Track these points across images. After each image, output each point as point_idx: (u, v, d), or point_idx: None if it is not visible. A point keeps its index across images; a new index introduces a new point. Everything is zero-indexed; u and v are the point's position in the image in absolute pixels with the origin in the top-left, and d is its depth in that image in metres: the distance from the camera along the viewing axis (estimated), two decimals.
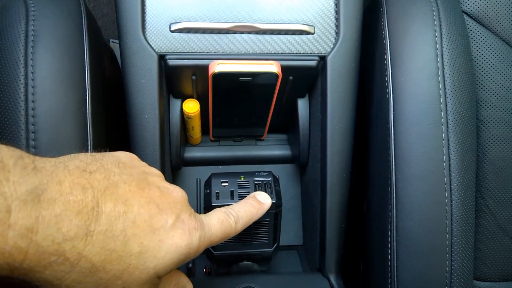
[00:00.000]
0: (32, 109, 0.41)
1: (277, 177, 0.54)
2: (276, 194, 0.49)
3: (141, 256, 0.29)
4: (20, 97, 0.41)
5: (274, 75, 0.47)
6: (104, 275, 0.28)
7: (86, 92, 0.45)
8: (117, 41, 0.75)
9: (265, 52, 0.49)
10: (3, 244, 0.23)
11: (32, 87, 0.41)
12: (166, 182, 0.35)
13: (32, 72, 0.41)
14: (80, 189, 0.27)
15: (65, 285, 0.27)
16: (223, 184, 0.50)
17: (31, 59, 0.42)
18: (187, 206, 0.35)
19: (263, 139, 0.63)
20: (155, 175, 0.35)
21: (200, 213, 0.58)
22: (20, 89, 0.41)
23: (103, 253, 0.28)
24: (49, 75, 0.42)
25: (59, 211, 0.25)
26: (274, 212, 0.50)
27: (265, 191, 0.49)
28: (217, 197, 0.49)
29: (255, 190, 0.49)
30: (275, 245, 0.53)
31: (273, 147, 0.64)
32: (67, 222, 0.26)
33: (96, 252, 0.27)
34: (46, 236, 0.25)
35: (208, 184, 0.50)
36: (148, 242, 0.30)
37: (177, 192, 0.35)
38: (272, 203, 0.48)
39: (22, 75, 0.41)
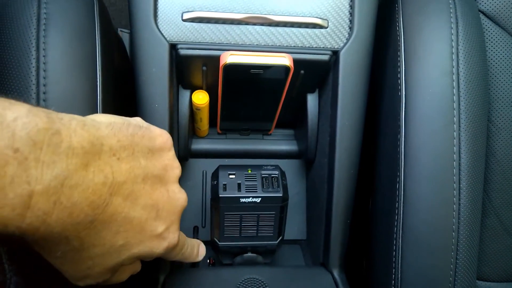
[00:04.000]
0: (44, 93, 0.41)
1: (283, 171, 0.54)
2: (282, 187, 0.49)
3: (120, 248, 0.32)
4: (31, 81, 0.41)
5: (286, 68, 0.46)
6: (84, 254, 0.30)
7: (97, 78, 0.44)
8: (126, 31, 0.75)
9: (277, 44, 0.49)
10: (20, 223, 0.24)
11: (44, 70, 0.41)
12: (177, 183, 0.37)
13: (44, 56, 0.41)
14: (103, 177, 0.28)
15: (54, 256, 0.30)
16: (230, 176, 0.50)
17: (43, 43, 0.41)
18: (179, 217, 0.37)
19: (270, 134, 0.63)
20: (173, 172, 0.36)
21: (205, 206, 0.59)
22: (31, 72, 0.41)
23: (95, 238, 0.30)
24: (60, 59, 0.42)
25: (76, 199, 0.26)
26: (280, 206, 0.50)
27: (272, 185, 0.49)
28: (224, 189, 0.49)
29: (262, 183, 0.50)
30: (280, 238, 0.53)
31: (280, 142, 0.63)
32: (79, 209, 0.27)
33: (89, 236, 0.29)
34: (58, 219, 0.26)
35: (215, 175, 0.50)
36: (132, 239, 0.32)
37: (180, 201, 0.37)
38: (279, 196, 0.49)
39: (34, 59, 0.41)
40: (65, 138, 0.26)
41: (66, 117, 0.27)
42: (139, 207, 0.32)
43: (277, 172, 0.51)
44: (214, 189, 0.49)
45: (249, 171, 0.51)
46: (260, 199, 0.49)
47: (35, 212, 0.24)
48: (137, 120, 0.36)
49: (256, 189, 0.49)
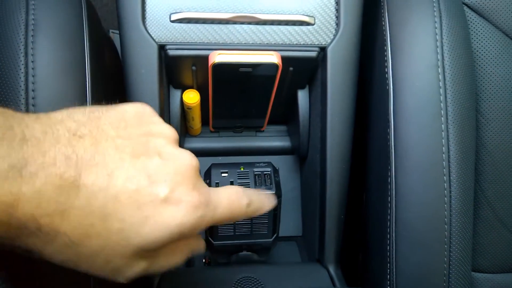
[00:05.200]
0: (33, 98, 0.41)
1: (277, 168, 0.54)
2: (275, 184, 0.50)
3: (122, 232, 0.27)
4: (20, 86, 0.41)
5: (275, 66, 0.47)
6: (84, 249, 0.27)
7: (86, 81, 0.44)
8: (117, 32, 0.75)
9: (265, 42, 0.49)
10: None
11: (33, 76, 0.41)
12: (174, 146, 0.31)
13: (32, 61, 0.41)
14: (64, 159, 0.26)
15: (47, 254, 0.27)
16: (223, 174, 0.50)
17: (31, 48, 0.42)
18: (191, 177, 0.30)
19: (263, 130, 0.63)
20: (163, 136, 0.31)
21: None
22: (20, 78, 0.41)
23: (81, 228, 0.26)
24: (49, 64, 0.42)
25: (39, 186, 0.24)
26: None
27: (265, 182, 0.49)
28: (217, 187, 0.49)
29: (255, 181, 0.49)
30: (275, 235, 0.53)
31: (273, 138, 0.64)
32: (46, 197, 0.25)
33: (73, 227, 0.26)
34: (26, 212, 0.24)
35: (208, 174, 0.50)
36: (131, 218, 0.27)
37: (183, 159, 0.30)
38: (272, 193, 0.49)
39: (23, 64, 0.41)
40: (17, 132, 0.25)
41: (19, 115, 0.26)
42: (120, 179, 0.27)
43: (269, 169, 0.51)
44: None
45: (242, 169, 0.51)
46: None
47: None
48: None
49: (249, 187, 0.49)
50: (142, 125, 0.31)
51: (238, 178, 0.50)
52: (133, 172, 0.28)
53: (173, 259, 0.32)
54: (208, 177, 0.50)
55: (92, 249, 0.27)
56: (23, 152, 0.24)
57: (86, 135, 0.27)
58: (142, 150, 0.29)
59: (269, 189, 0.49)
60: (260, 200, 0.36)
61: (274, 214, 0.51)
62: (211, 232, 0.52)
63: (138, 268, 0.30)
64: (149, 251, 0.29)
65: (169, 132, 0.32)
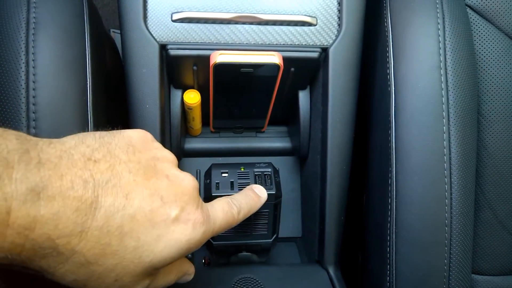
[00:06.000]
0: (33, 96, 0.41)
1: (277, 168, 0.54)
2: (276, 185, 0.49)
3: (136, 250, 0.29)
4: (21, 85, 0.41)
5: (276, 66, 0.47)
6: (97, 267, 0.28)
7: (87, 80, 0.44)
8: (118, 31, 0.75)
9: (267, 43, 0.49)
10: (2, 242, 0.24)
11: (33, 74, 0.41)
12: (177, 169, 0.34)
13: (33, 60, 0.41)
14: (82, 182, 0.27)
15: (59, 274, 0.28)
16: (223, 174, 0.50)
17: (32, 47, 0.41)
18: (195, 197, 0.34)
19: (264, 131, 0.63)
20: (167, 160, 0.34)
21: None
22: (21, 76, 0.41)
23: (98, 247, 0.28)
24: (50, 62, 0.42)
25: (57, 209, 0.25)
26: (274, 203, 0.50)
27: (265, 182, 0.49)
28: (217, 188, 0.49)
29: (255, 181, 0.49)
30: (274, 236, 0.53)
31: (274, 139, 0.64)
32: (64, 219, 0.26)
33: (91, 246, 0.27)
34: (43, 233, 0.25)
35: (208, 174, 0.50)
36: (146, 237, 0.29)
37: (187, 181, 0.33)
38: (272, 194, 0.49)
39: (23, 63, 0.41)
40: (33, 156, 0.26)
41: (34, 139, 0.27)
42: (136, 200, 0.29)
43: (269, 170, 0.51)
44: (207, 188, 0.49)
45: (242, 169, 0.51)
46: None
47: (15, 228, 0.24)
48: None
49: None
50: (147, 150, 0.33)
51: (239, 178, 0.49)
52: (147, 193, 0.30)
53: (169, 278, 0.35)
54: (208, 177, 0.50)
55: (105, 267, 0.29)
56: (41, 175, 0.25)
57: (101, 160, 0.29)
58: (152, 173, 0.31)
59: (270, 189, 0.49)
60: (248, 206, 0.41)
61: (274, 215, 0.51)
62: None
63: (142, 286, 0.32)
64: (157, 268, 0.31)
65: (171, 157, 0.35)
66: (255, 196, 0.43)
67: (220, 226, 0.36)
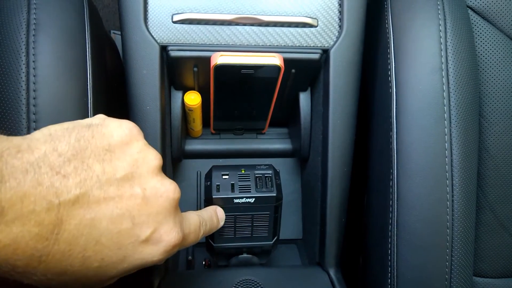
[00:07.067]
0: (34, 98, 0.41)
1: (278, 170, 0.54)
2: (276, 187, 0.49)
3: (99, 269, 0.28)
4: (21, 86, 0.41)
5: (277, 68, 0.46)
6: (60, 282, 0.27)
7: (87, 81, 0.44)
8: (119, 33, 0.75)
9: (268, 44, 0.49)
10: None
11: (34, 76, 0.41)
12: (158, 176, 0.32)
13: (33, 61, 0.41)
14: (45, 204, 0.24)
15: (33, 282, 0.27)
16: (224, 176, 0.50)
17: (33, 48, 0.41)
18: (172, 213, 0.32)
19: (264, 133, 0.63)
20: (147, 166, 0.31)
21: (200, 207, 0.58)
22: (21, 77, 0.41)
23: (59, 268, 0.26)
24: (50, 64, 0.42)
25: (16, 234, 0.23)
26: (275, 206, 0.50)
27: (266, 185, 0.49)
28: (218, 190, 0.49)
29: (256, 183, 0.49)
30: (275, 238, 0.53)
31: (274, 140, 0.63)
32: (23, 245, 0.24)
33: (51, 267, 0.26)
34: (2, 259, 0.24)
35: (208, 176, 0.50)
36: (110, 258, 0.28)
37: (166, 195, 0.31)
38: (273, 196, 0.49)
39: (24, 64, 0.41)
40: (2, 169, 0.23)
41: (3, 146, 0.25)
42: (103, 223, 0.27)
43: (270, 172, 0.51)
44: (208, 190, 0.49)
45: (243, 171, 0.51)
46: (254, 199, 0.49)
47: None
48: (93, 118, 0.32)
49: (250, 189, 0.49)
50: (127, 155, 0.30)
51: (239, 181, 0.49)
52: (117, 214, 0.28)
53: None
54: (209, 179, 0.50)
55: (69, 280, 0.28)
56: (1, 196, 0.23)
57: (71, 174, 0.26)
58: (126, 187, 0.29)
59: (270, 192, 0.49)
60: (210, 227, 0.41)
61: (275, 217, 0.51)
62: (212, 234, 0.51)
63: (110, 282, 0.31)
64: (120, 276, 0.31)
65: (154, 161, 0.32)
66: (216, 221, 0.43)
67: (191, 242, 0.36)
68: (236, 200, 0.48)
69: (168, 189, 0.32)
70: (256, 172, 0.50)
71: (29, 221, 0.24)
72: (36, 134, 0.28)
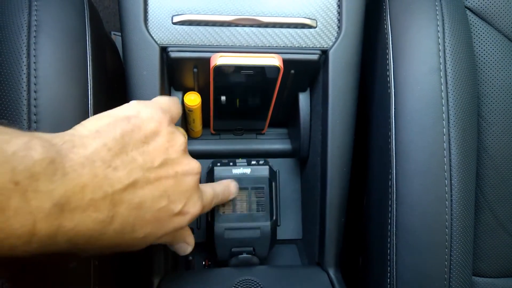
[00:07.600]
0: (35, 99, 0.41)
1: (277, 170, 0.56)
2: (269, 166, 0.55)
3: (144, 239, 0.35)
4: (22, 86, 0.41)
5: (276, 69, 0.47)
6: (112, 251, 0.34)
7: (88, 82, 0.45)
8: (119, 34, 0.75)
9: (267, 45, 0.49)
10: (27, 248, 0.26)
11: (35, 77, 0.41)
12: (184, 156, 0.38)
13: (34, 62, 0.41)
14: (101, 193, 0.29)
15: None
16: (223, 161, 0.55)
17: (34, 49, 0.42)
18: (196, 189, 0.39)
19: (264, 133, 0.63)
20: (176, 149, 0.37)
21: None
22: (22, 78, 0.41)
23: (113, 242, 0.32)
24: (51, 65, 0.42)
25: (78, 220, 0.28)
26: (269, 179, 0.53)
27: (258, 162, 0.55)
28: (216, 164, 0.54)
29: (249, 162, 0.55)
30: (273, 219, 0.53)
31: (274, 141, 0.64)
32: (83, 228, 0.28)
33: (106, 244, 0.32)
34: (64, 241, 0.28)
35: (211, 173, 0.53)
36: (152, 229, 0.35)
37: (192, 174, 0.38)
38: (266, 167, 0.54)
39: (25, 65, 0.41)
40: (58, 166, 0.27)
41: (58, 141, 0.28)
42: (147, 203, 0.33)
43: (263, 161, 0.55)
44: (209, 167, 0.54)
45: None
46: (250, 169, 0.54)
47: (40, 238, 0.26)
48: (127, 108, 0.36)
49: (246, 163, 0.55)
50: (159, 143, 0.35)
51: (237, 161, 0.55)
52: (157, 195, 0.34)
53: (168, 240, 0.41)
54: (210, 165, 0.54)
55: (120, 249, 0.35)
56: (65, 188, 0.27)
57: (119, 167, 0.31)
58: (163, 173, 0.35)
59: (264, 165, 0.55)
60: (223, 192, 0.48)
61: (270, 195, 0.53)
62: (212, 215, 0.52)
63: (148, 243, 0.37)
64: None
65: (179, 142, 0.38)
66: (228, 193, 0.50)
67: (204, 212, 0.43)
68: (234, 171, 0.53)
69: (193, 167, 0.38)
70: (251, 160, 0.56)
71: (88, 208, 0.28)
72: (82, 131, 0.32)
